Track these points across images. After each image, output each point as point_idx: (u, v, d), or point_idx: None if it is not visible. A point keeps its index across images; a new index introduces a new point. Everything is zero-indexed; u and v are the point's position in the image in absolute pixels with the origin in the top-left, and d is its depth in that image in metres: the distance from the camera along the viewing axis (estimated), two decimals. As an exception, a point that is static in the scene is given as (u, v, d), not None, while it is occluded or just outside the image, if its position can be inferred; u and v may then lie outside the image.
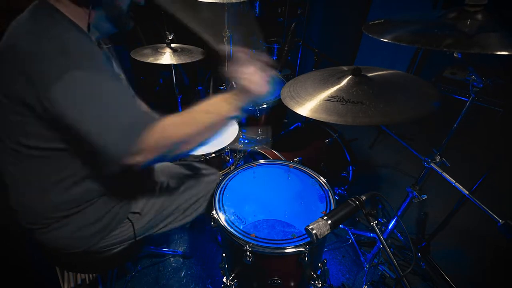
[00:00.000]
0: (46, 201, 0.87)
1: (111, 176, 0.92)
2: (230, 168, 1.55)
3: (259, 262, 0.91)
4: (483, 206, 0.94)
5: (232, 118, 0.84)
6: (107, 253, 0.99)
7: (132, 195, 1.05)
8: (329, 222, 0.77)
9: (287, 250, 0.87)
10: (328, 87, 1.06)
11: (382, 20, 0.91)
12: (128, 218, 1.03)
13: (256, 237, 0.91)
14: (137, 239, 1.06)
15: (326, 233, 0.76)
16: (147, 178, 1.13)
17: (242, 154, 1.62)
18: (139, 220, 1.06)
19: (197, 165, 1.29)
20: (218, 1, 1.65)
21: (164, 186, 1.14)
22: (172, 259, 1.69)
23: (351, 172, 1.76)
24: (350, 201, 0.82)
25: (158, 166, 1.20)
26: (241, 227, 0.96)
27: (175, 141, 0.76)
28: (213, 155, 1.41)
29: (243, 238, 0.90)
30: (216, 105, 0.83)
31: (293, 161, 1.31)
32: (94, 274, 1.47)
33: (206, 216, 1.26)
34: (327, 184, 1.10)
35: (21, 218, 0.91)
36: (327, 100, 0.99)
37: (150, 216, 1.08)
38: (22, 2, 0.77)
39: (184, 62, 1.71)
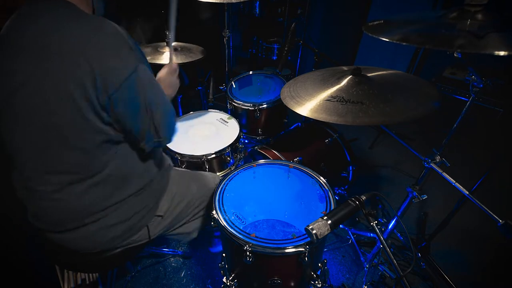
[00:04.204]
0: (87, 203, 0.83)
1: (152, 174, 0.96)
2: (230, 168, 1.55)
3: (259, 262, 0.91)
4: (483, 206, 0.94)
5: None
6: (108, 253, 0.98)
7: (160, 196, 1.04)
8: (329, 222, 0.77)
9: (287, 250, 0.87)
10: (328, 87, 1.06)
11: (382, 21, 0.91)
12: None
13: (256, 237, 0.91)
14: (151, 238, 1.05)
15: (326, 233, 0.76)
16: (174, 179, 1.13)
17: (243, 155, 1.62)
18: (158, 223, 1.05)
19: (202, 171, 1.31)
20: (218, 1, 1.65)
21: (184, 191, 1.14)
22: (172, 259, 1.69)
23: (351, 172, 1.76)
24: (350, 201, 0.82)
25: (178, 172, 1.20)
26: (241, 227, 0.96)
27: None
28: (214, 155, 1.41)
29: (243, 238, 0.90)
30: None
31: (293, 161, 1.31)
32: (94, 274, 1.47)
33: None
34: (327, 184, 1.10)
35: (46, 222, 0.86)
36: (327, 100, 1.00)
37: (170, 219, 1.08)
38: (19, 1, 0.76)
39: (184, 62, 1.71)
